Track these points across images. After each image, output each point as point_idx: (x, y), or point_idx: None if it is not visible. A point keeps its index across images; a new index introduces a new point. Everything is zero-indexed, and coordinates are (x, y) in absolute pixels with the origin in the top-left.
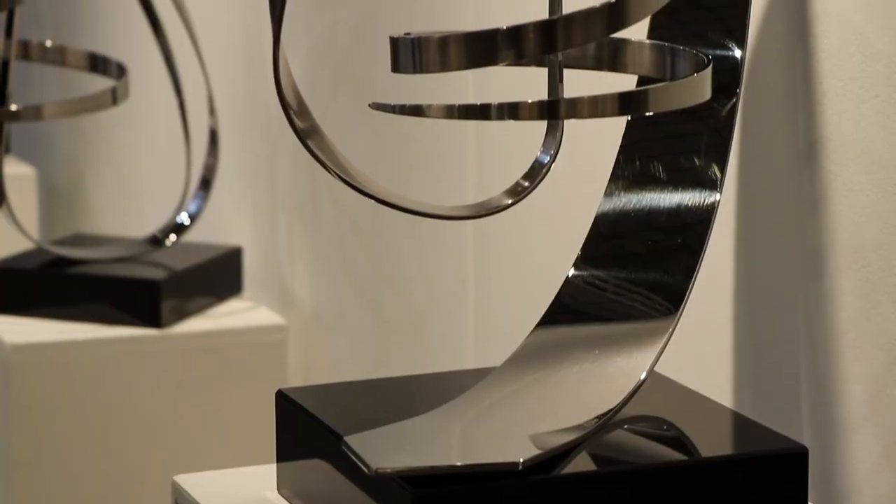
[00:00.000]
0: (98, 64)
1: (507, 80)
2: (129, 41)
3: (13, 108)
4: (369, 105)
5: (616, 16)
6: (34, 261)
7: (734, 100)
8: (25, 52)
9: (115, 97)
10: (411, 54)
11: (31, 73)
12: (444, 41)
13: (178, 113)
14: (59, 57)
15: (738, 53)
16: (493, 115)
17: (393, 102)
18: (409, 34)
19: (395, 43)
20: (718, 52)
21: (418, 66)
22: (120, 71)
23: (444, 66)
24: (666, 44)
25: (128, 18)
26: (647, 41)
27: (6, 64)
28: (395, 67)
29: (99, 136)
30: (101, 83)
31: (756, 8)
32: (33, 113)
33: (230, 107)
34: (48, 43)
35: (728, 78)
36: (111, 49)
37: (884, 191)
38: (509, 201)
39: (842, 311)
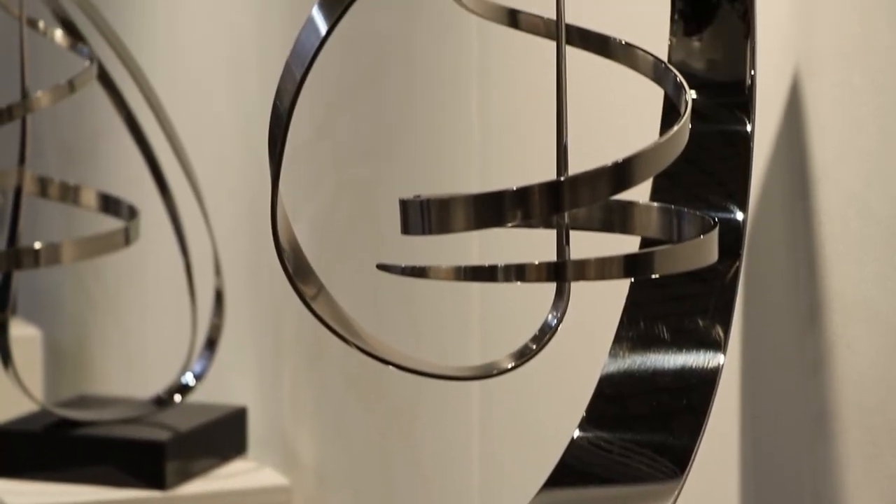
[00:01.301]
0: (110, 205)
1: (512, 237)
2: (135, 202)
3: (36, 245)
4: (376, 266)
5: (621, 176)
6: (38, 423)
7: (737, 262)
8: (41, 188)
9: (127, 237)
10: (420, 216)
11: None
12: (453, 203)
13: (184, 273)
14: (71, 195)
15: (739, 216)
16: (500, 278)
17: (398, 263)
18: (418, 196)
19: (404, 205)
20: (720, 214)
21: (427, 228)
22: (131, 213)
23: (453, 228)
24: (672, 206)
25: (134, 180)
26: (655, 204)
27: (19, 195)
28: (405, 229)
29: (105, 297)
30: (88, 219)
31: (756, 172)
32: (52, 254)
33: (235, 267)
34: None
35: (731, 240)
36: None
37: (887, 354)
38: (514, 363)
39: (848, 474)
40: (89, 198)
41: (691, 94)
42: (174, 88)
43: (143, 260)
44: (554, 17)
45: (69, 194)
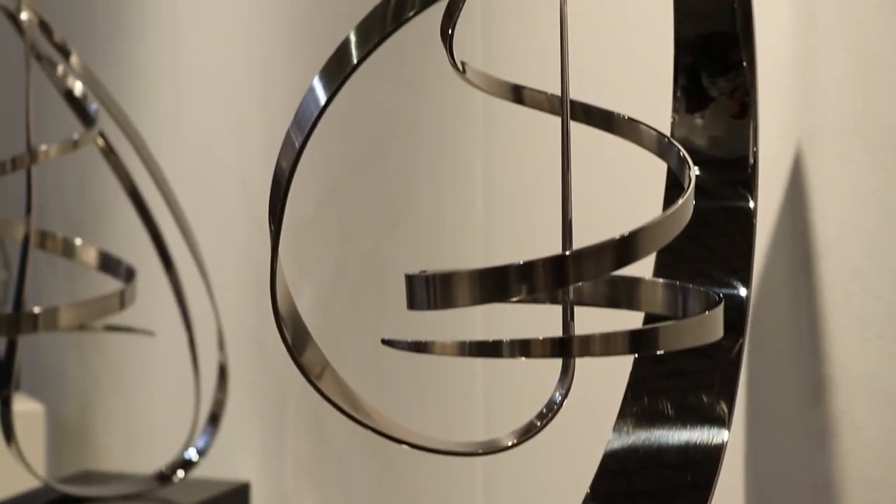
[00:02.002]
0: (110, 264)
1: (515, 311)
2: (140, 277)
3: (35, 310)
4: (381, 341)
5: (625, 250)
6: (41, 499)
7: (741, 338)
8: (42, 241)
9: (123, 301)
10: (426, 291)
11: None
12: (458, 278)
13: (188, 348)
14: (72, 250)
15: (743, 292)
16: (505, 353)
17: (403, 338)
18: (424, 272)
19: (410, 281)
20: (724, 290)
21: (433, 303)
22: (128, 275)
23: (458, 303)
24: (678, 282)
25: (138, 254)
26: (660, 280)
27: (27, 246)
28: (411, 305)
29: (108, 372)
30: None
31: (759, 247)
32: (50, 319)
33: (239, 342)
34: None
35: (734, 316)
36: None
37: (891, 429)
38: (519, 440)
39: None
40: (90, 255)
41: (695, 170)
42: (178, 161)
43: (149, 338)
44: (558, 93)
45: (70, 249)
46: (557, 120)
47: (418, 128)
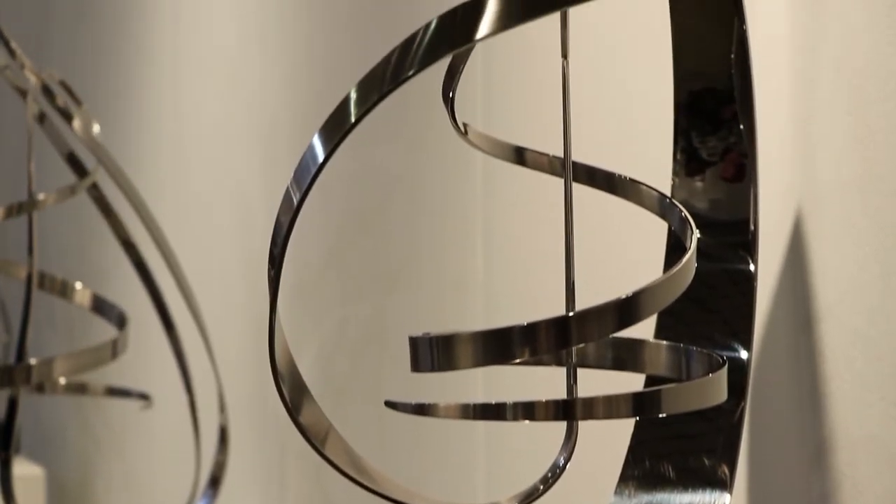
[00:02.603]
0: (103, 308)
1: (516, 372)
2: (140, 339)
3: (32, 361)
4: (384, 403)
5: (628, 311)
6: None
7: (743, 402)
8: (40, 282)
9: (114, 351)
10: (430, 353)
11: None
12: (462, 339)
13: (188, 410)
14: (67, 292)
15: (744, 355)
16: (509, 416)
17: (405, 400)
18: (427, 334)
19: (414, 342)
20: (725, 353)
21: (437, 365)
22: (121, 321)
23: (462, 365)
24: (681, 345)
25: (139, 316)
26: (663, 342)
27: (30, 286)
28: (415, 367)
29: (109, 435)
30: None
31: (760, 310)
32: (45, 370)
33: (240, 405)
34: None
35: (736, 379)
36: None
37: (893, 493)
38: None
39: None
40: (84, 297)
41: (696, 233)
42: (179, 222)
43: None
44: (559, 154)
45: (68, 291)
46: (558, 180)
47: (419, 188)
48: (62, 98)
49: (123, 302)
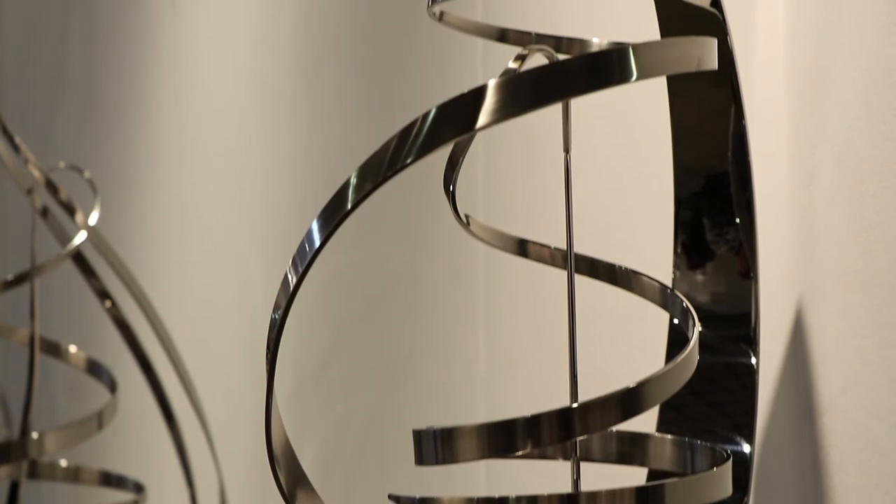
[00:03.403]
0: (96, 370)
1: (518, 463)
2: (141, 433)
3: (35, 435)
4: (388, 497)
5: (631, 402)
6: None
7: (746, 497)
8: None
9: (100, 422)
10: (434, 447)
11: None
12: (466, 432)
13: None
14: (64, 355)
15: (746, 449)
16: None
17: (410, 494)
18: (431, 427)
19: (418, 436)
20: (728, 447)
21: (441, 458)
22: (112, 385)
23: (466, 457)
24: (686, 439)
25: (141, 410)
26: (668, 436)
27: (33, 367)
28: (419, 460)
29: None
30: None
31: (763, 404)
32: (38, 446)
33: (241, 500)
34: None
35: (738, 473)
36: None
37: None
38: None
39: None
40: (79, 359)
41: (699, 325)
42: (181, 314)
43: (149, 491)
44: (560, 246)
45: (64, 354)
46: (559, 273)
47: (421, 284)
48: (65, 192)
49: (124, 395)
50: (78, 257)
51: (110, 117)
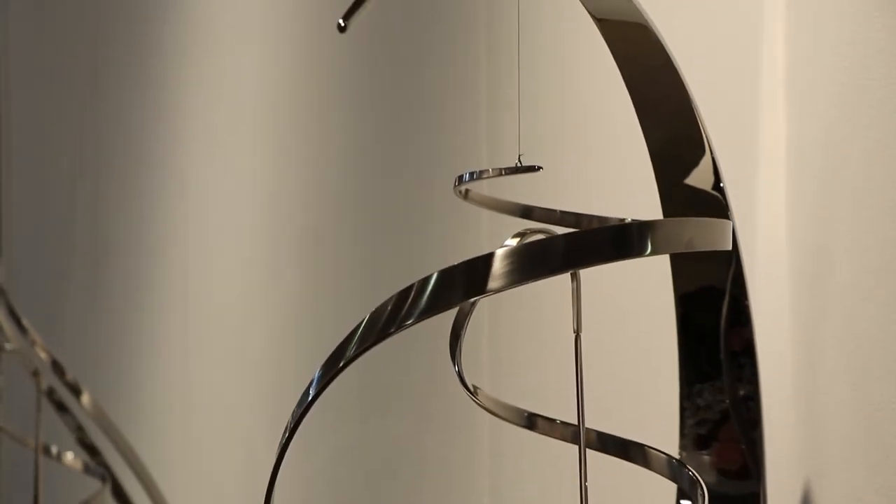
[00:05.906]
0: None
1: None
2: None
3: None
4: None
5: None
6: None
7: None
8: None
9: None
10: None
11: None
12: None
13: None
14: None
15: None
16: None
17: None
18: None
19: None
20: None
21: None
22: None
23: None
24: None
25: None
26: None
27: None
28: None
29: None
30: None
31: None
32: None
33: None
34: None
35: None
36: None
37: None
38: None
39: None
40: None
41: (707, 494)
42: (187, 490)
43: None
44: (572, 421)
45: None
46: (568, 444)
47: (425, 458)
48: (71, 374)
49: None
50: (83, 442)
51: (116, 309)
